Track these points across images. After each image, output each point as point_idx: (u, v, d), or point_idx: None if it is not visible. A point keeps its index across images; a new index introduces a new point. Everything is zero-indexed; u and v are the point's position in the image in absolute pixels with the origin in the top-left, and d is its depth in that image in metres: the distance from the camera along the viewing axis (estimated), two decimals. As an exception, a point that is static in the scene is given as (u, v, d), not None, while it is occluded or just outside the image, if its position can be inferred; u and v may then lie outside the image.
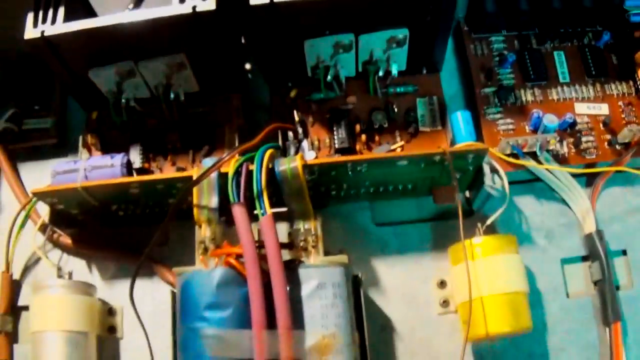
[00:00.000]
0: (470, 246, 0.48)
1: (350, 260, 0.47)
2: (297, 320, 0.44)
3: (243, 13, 0.47)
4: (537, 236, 0.54)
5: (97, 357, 0.50)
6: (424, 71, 0.55)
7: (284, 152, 0.52)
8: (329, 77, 0.51)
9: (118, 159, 0.49)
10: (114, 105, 0.53)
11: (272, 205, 0.44)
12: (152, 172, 0.54)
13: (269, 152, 0.46)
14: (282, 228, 0.47)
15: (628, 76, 0.56)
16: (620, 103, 0.55)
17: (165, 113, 0.53)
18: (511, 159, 0.51)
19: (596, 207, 0.53)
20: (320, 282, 0.45)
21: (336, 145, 0.53)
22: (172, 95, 0.52)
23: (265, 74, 0.55)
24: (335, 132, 0.53)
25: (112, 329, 0.52)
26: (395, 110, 0.54)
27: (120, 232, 0.54)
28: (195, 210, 0.46)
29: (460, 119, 0.49)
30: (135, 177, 0.50)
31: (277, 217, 0.44)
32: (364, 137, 0.53)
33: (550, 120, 0.52)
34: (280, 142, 0.53)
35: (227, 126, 0.54)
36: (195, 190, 0.46)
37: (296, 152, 0.51)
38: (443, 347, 0.51)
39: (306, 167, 0.46)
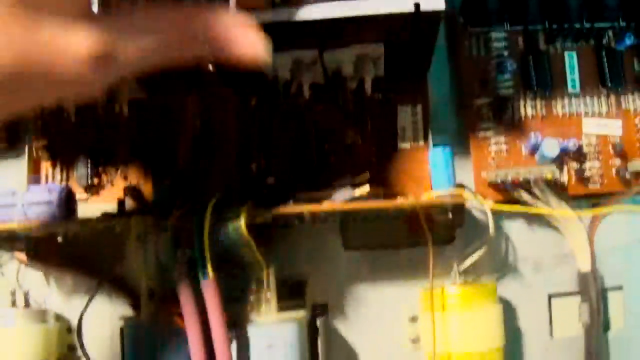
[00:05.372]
0: (442, 295, 0.44)
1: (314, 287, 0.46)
2: (245, 383, 0.42)
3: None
4: (523, 267, 0.48)
5: (57, 383, 0.49)
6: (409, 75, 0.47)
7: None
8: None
9: (56, 193, 0.44)
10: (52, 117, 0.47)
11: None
12: (102, 187, 0.49)
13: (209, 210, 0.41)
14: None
15: (650, 88, 0.47)
16: (637, 120, 0.47)
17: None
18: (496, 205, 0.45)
19: (595, 238, 0.47)
20: (270, 343, 0.41)
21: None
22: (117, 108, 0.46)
23: (222, 79, 0.48)
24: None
25: (71, 348, 0.50)
26: (371, 123, 0.47)
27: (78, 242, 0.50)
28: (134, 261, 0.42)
29: (439, 158, 0.42)
30: (68, 221, 0.44)
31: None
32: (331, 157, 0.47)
33: (550, 147, 0.44)
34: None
35: (182, 135, 0.49)
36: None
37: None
38: (410, 386, 0.48)
39: (253, 216, 0.41)
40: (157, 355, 0.43)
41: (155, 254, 0.42)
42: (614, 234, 0.48)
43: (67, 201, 0.45)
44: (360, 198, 0.42)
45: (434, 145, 0.46)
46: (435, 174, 0.42)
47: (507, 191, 0.45)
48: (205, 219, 0.40)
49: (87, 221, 0.44)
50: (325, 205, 0.41)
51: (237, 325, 0.42)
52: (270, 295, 0.42)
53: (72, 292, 0.51)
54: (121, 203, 0.46)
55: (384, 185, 0.46)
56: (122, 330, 0.46)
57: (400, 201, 0.41)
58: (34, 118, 0.49)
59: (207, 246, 0.39)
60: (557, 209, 0.45)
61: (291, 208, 0.41)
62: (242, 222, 0.39)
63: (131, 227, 0.42)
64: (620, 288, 0.48)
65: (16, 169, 0.51)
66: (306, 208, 0.41)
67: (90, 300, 0.48)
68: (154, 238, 0.42)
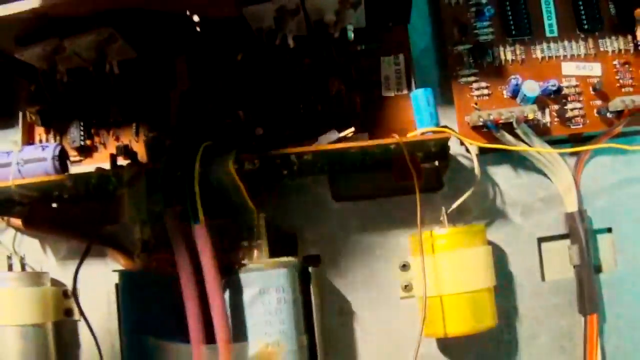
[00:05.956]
0: (430, 238, 0.44)
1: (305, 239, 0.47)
2: (239, 328, 0.42)
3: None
4: (512, 212, 0.49)
5: (55, 344, 0.49)
6: (390, 24, 0.48)
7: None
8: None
9: (50, 150, 0.45)
10: (44, 80, 0.48)
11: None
12: (95, 149, 0.50)
13: (200, 152, 0.41)
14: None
15: (627, 30, 0.47)
16: (615, 62, 0.47)
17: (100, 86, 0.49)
18: (479, 143, 0.46)
19: (581, 179, 0.48)
20: (263, 287, 0.42)
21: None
22: (107, 67, 0.47)
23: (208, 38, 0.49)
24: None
25: (68, 312, 0.51)
26: (355, 73, 0.48)
27: (71, 207, 0.51)
28: (127, 210, 0.43)
29: (421, 99, 0.43)
30: (63, 175, 0.45)
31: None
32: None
33: (530, 88, 0.45)
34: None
35: (172, 92, 0.50)
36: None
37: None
38: (403, 332, 0.48)
39: (242, 161, 0.42)
40: (151, 305, 0.43)
41: (148, 204, 0.43)
42: (599, 176, 0.48)
43: (61, 158, 0.45)
44: (345, 138, 0.43)
45: (417, 92, 0.47)
46: (418, 114, 0.43)
47: (491, 135, 0.46)
48: (195, 162, 0.40)
49: (81, 175, 0.45)
50: (311, 146, 0.42)
51: (229, 272, 0.42)
52: (261, 241, 0.43)
53: (68, 258, 0.52)
54: (114, 159, 0.47)
55: (369, 133, 0.47)
56: (117, 286, 0.47)
57: (385, 140, 0.41)
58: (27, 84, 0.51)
59: (197, 189, 0.40)
60: (542, 146, 0.46)
61: (278, 151, 0.42)
62: (230, 163, 0.40)
63: (124, 175, 0.43)
64: (609, 230, 0.48)
65: (11, 137, 0.52)
66: (292, 150, 0.42)
67: (84, 256, 0.48)
68: (146, 188, 0.43)
